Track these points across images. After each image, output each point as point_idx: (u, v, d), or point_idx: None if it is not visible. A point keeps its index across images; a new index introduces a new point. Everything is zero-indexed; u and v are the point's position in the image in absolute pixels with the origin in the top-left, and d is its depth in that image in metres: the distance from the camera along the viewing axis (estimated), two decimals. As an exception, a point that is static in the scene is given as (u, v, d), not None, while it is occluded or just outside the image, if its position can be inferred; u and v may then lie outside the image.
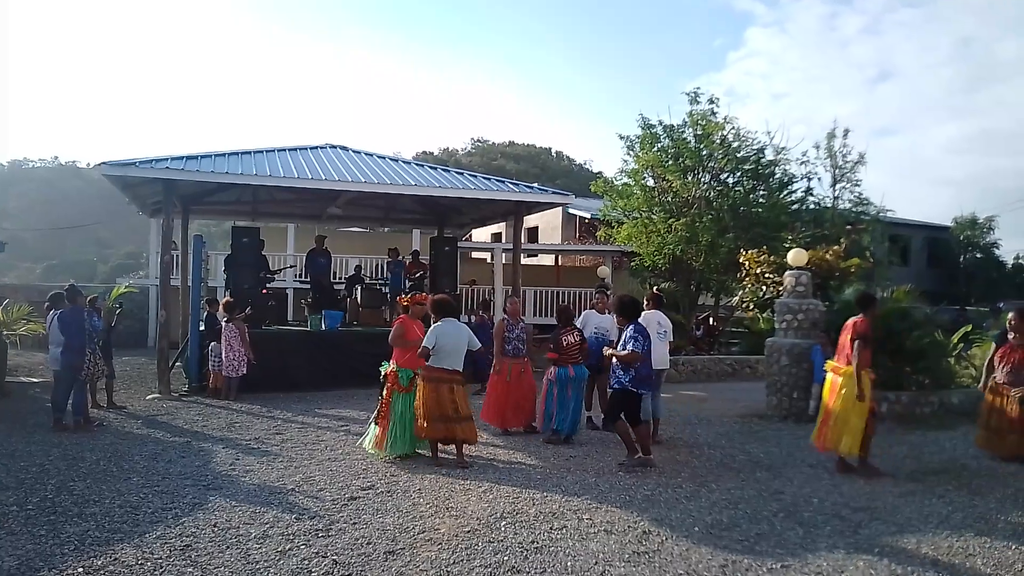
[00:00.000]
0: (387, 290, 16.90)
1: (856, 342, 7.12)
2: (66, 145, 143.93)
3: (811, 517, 5.90)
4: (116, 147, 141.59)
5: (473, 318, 14.06)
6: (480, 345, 7.94)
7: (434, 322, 7.67)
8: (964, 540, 5.38)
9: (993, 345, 8.58)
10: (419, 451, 7.84)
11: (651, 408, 8.76)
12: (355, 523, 5.53)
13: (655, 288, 10.18)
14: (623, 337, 7.61)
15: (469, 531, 5.38)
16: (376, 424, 7.84)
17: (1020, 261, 37.68)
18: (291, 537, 5.19)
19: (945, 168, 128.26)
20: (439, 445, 7.62)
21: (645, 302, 9.40)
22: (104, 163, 12.02)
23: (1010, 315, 8.30)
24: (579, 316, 9.89)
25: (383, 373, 7.98)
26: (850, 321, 7.40)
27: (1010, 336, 8.13)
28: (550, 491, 6.52)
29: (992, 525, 5.76)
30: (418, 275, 16.66)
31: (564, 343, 8.82)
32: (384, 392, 7.85)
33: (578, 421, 8.95)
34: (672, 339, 9.52)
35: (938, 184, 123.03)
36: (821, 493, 6.62)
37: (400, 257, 17.47)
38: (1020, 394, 7.80)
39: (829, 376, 7.57)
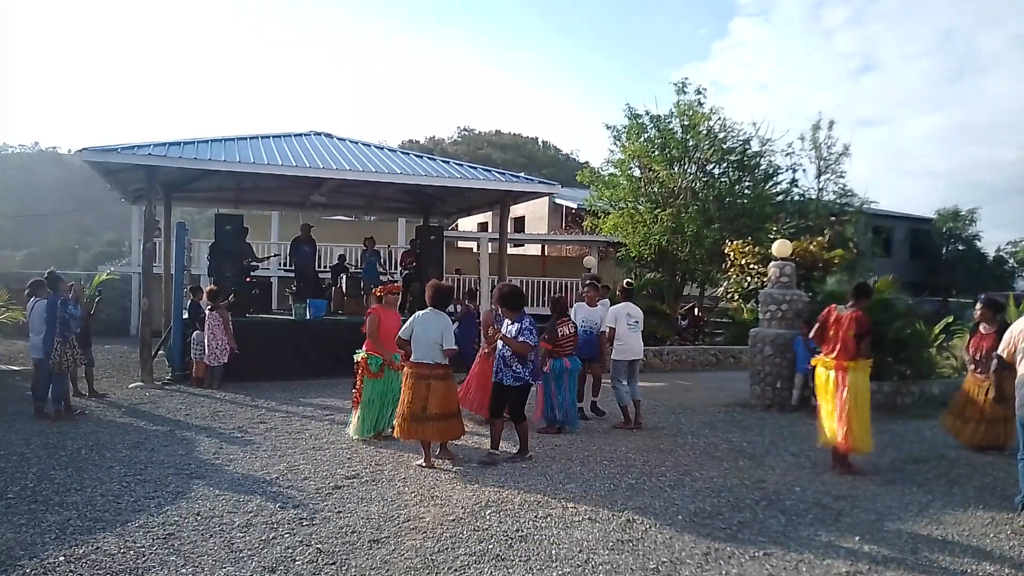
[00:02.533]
0: (361, 279, 16.69)
1: (864, 339, 6.94)
2: (46, 131, 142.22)
3: (793, 505, 5.96)
4: (98, 133, 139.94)
5: (459, 307, 14.04)
6: (455, 346, 7.19)
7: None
8: (943, 528, 5.46)
9: (968, 335, 8.68)
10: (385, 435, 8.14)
11: (630, 392, 9.15)
12: (340, 512, 5.54)
13: (625, 281, 10.09)
14: (511, 331, 7.21)
15: (454, 520, 5.39)
16: (353, 409, 8.31)
17: (1001, 253, 38.06)
18: (275, 526, 5.18)
19: (926, 159, 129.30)
20: (429, 445, 7.20)
21: (618, 293, 9.53)
22: (85, 149, 11.90)
23: (978, 306, 8.36)
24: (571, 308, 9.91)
25: (356, 360, 8.35)
26: (847, 314, 7.08)
27: (981, 328, 8.21)
28: (535, 480, 6.55)
29: (971, 514, 5.84)
30: (412, 264, 16.59)
31: (560, 334, 8.74)
32: (357, 379, 8.26)
33: (575, 412, 8.95)
34: (642, 327, 9.55)
35: (919, 175, 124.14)
36: (803, 482, 6.69)
37: (375, 246, 17.38)
38: (989, 385, 7.71)
39: (830, 373, 7.14)
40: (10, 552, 4.60)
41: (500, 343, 7.33)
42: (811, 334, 7.65)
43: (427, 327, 7.09)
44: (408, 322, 7.27)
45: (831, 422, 7.08)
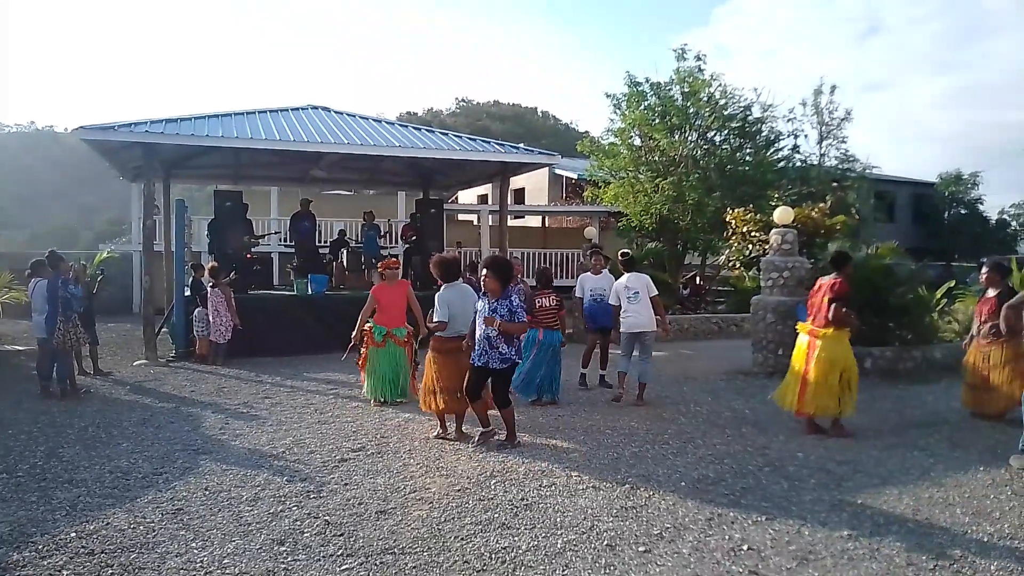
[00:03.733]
0: (362, 253, 16.63)
1: (835, 304, 6.98)
2: (42, 110, 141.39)
3: (796, 471, 6.01)
4: (94, 112, 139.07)
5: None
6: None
7: (439, 285, 7.20)
8: (944, 491, 5.51)
9: (977, 301, 8.64)
10: (394, 401, 8.57)
11: (639, 373, 8.77)
12: (346, 484, 5.59)
13: (620, 252, 9.63)
14: (498, 309, 6.54)
15: (459, 490, 5.45)
16: (362, 373, 8.80)
17: (1004, 216, 37.94)
18: (283, 499, 5.24)
19: (931, 123, 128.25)
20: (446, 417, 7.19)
21: (620, 266, 9.20)
22: (82, 127, 11.84)
23: (983, 269, 8.25)
24: (575, 280, 9.86)
25: (365, 329, 8.67)
26: (826, 281, 7.21)
27: (989, 292, 8.12)
28: (539, 449, 6.60)
29: (972, 476, 5.89)
30: (413, 238, 16.56)
31: (536, 305, 8.69)
32: (362, 348, 8.64)
33: (555, 384, 8.83)
34: (655, 293, 8.77)
35: (923, 140, 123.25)
36: (806, 448, 6.73)
37: (375, 220, 17.35)
38: (991, 350, 7.74)
39: (803, 338, 7.35)
40: (23, 529, 4.66)
41: (483, 325, 6.59)
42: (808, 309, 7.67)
43: (466, 302, 6.99)
44: (440, 303, 7.01)
45: (788, 385, 7.42)
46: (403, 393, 8.62)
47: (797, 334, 7.68)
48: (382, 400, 8.52)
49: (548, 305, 8.86)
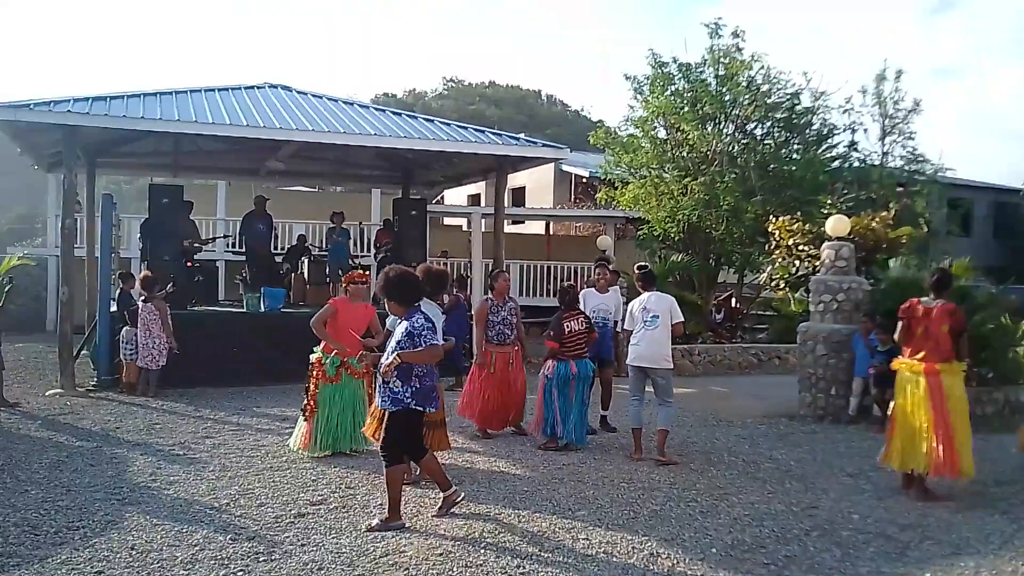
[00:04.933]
0: (327, 263, 16.62)
1: (962, 336, 7.00)
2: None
3: (850, 536, 6.01)
4: (8, 88, 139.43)
5: (446, 298, 14.05)
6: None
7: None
8: (1031, 563, 5.51)
9: None
10: (354, 450, 8.31)
11: (661, 417, 8.39)
12: (303, 544, 5.58)
13: (637, 265, 9.29)
14: (398, 334, 6.16)
15: (441, 554, 5.44)
16: (304, 420, 8.27)
17: (1105, 231, 38.04)
18: (225, 562, 5.23)
19: (1015, 117, 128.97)
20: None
21: (636, 282, 8.96)
22: (-10, 105, 11.87)
23: None
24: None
25: (310, 360, 8.38)
26: (935, 306, 7.09)
27: None
28: (539, 506, 6.59)
29: (1064, 546, 5.89)
30: (388, 245, 16.60)
31: (566, 330, 8.59)
32: (311, 383, 8.24)
33: (585, 427, 8.84)
34: (680, 319, 8.49)
35: (1006, 137, 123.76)
36: (862, 508, 6.74)
37: (344, 223, 17.37)
38: None
39: (919, 379, 7.07)
40: (-94, 594, 4.64)
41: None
42: (895, 335, 7.57)
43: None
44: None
45: (920, 439, 7.00)
46: (361, 440, 8.22)
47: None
48: (328, 453, 8.13)
49: (578, 329, 8.68)
